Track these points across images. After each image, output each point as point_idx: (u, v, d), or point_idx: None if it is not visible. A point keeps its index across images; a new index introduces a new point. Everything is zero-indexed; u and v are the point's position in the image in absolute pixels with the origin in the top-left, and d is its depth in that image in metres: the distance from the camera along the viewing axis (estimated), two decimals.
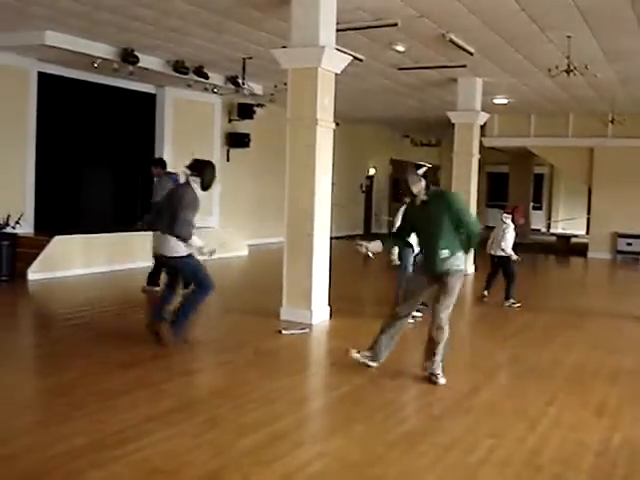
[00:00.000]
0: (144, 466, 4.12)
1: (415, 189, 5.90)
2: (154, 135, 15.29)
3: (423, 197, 5.94)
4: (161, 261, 6.91)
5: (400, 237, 6.59)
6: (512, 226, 10.03)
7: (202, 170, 6.87)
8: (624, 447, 4.70)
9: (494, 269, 10.40)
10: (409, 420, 5.26)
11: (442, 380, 5.98)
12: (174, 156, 15.29)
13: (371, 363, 6.28)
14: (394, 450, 4.53)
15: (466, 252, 6.03)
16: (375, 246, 6.32)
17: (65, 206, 13.16)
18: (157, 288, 10.45)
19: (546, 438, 4.82)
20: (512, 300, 9.99)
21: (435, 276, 5.99)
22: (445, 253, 5.85)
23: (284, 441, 4.60)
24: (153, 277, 10.42)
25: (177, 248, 6.66)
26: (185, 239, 6.67)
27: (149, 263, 10.34)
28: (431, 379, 6.00)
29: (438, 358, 6.03)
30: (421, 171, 5.90)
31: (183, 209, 6.59)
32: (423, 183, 5.88)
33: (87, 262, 11.89)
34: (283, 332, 7.83)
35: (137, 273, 10.82)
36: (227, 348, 7.04)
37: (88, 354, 6.73)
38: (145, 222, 10.61)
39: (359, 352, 6.30)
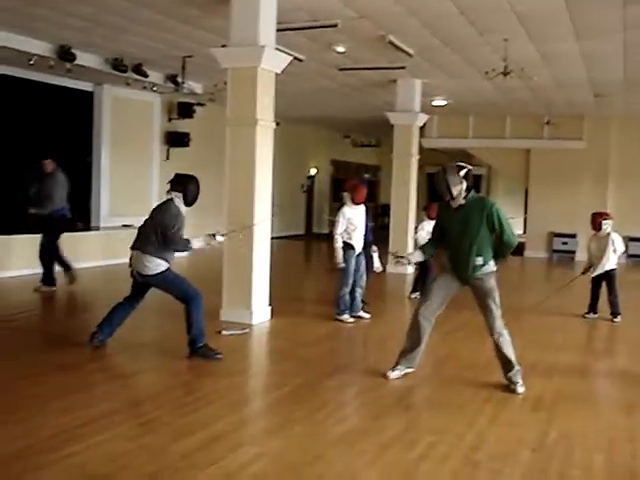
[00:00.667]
0: (80, 470, 4.05)
1: (455, 191, 5.66)
2: (92, 133, 15.02)
3: (461, 201, 5.74)
4: (135, 278, 6.68)
5: (438, 243, 6.20)
6: (428, 222, 9.78)
7: (185, 185, 6.62)
8: (560, 442, 4.80)
9: (422, 269, 10.53)
10: (349, 419, 5.27)
11: (521, 389, 5.88)
12: (112, 155, 15.11)
13: (409, 370, 6.23)
14: (334, 449, 4.54)
15: (497, 261, 5.88)
16: (416, 256, 6.37)
17: (3, 206, 12.81)
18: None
19: (484, 434, 4.89)
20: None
21: (467, 283, 5.91)
22: (479, 260, 5.74)
23: (222, 443, 4.56)
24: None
25: (153, 267, 6.47)
26: (183, 250, 6.62)
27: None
28: (510, 388, 5.89)
29: (515, 366, 5.93)
30: (462, 172, 5.69)
31: (171, 226, 6.40)
32: (464, 185, 5.68)
33: (26, 263, 11.59)
34: (223, 332, 7.77)
35: (79, 274, 10.62)
36: (165, 350, 6.96)
37: (23, 357, 6.57)
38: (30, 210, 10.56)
39: (394, 370, 6.19)
